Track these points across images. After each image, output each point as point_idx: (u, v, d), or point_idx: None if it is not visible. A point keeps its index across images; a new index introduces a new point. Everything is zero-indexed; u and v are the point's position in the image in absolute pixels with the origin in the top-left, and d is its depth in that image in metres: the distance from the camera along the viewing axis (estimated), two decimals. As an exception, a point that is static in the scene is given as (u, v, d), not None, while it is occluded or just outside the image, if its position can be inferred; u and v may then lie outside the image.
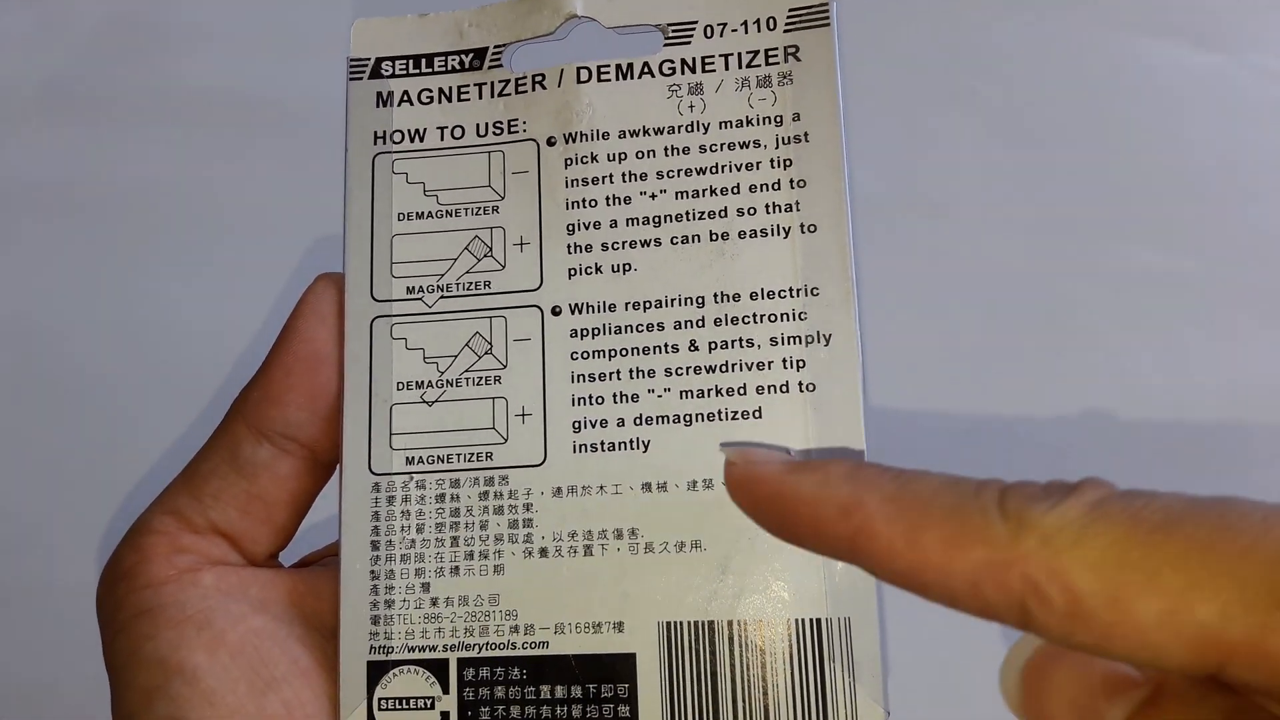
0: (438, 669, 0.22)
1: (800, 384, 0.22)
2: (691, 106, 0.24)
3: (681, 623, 0.21)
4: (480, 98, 0.25)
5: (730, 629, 0.21)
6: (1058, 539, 0.14)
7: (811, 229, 0.23)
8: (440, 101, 0.25)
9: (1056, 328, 0.36)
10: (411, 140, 0.24)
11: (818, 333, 0.22)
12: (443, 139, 0.24)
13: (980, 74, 0.39)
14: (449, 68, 0.25)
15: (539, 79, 0.24)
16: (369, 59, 0.25)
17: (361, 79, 0.25)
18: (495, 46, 0.25)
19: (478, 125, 0.24)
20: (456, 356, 0.23)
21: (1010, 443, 0.33)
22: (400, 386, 0.23)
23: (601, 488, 0.22)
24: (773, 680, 0.21)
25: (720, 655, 0.21)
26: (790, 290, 0.22)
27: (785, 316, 0.22)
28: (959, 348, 0.36)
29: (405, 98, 0.25)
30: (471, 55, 0.25)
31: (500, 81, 0.24)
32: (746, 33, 0.24)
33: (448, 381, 0.23)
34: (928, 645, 0.30)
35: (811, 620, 0.21)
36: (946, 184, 0.38)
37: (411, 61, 0.25)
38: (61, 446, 0.40)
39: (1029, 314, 0.37)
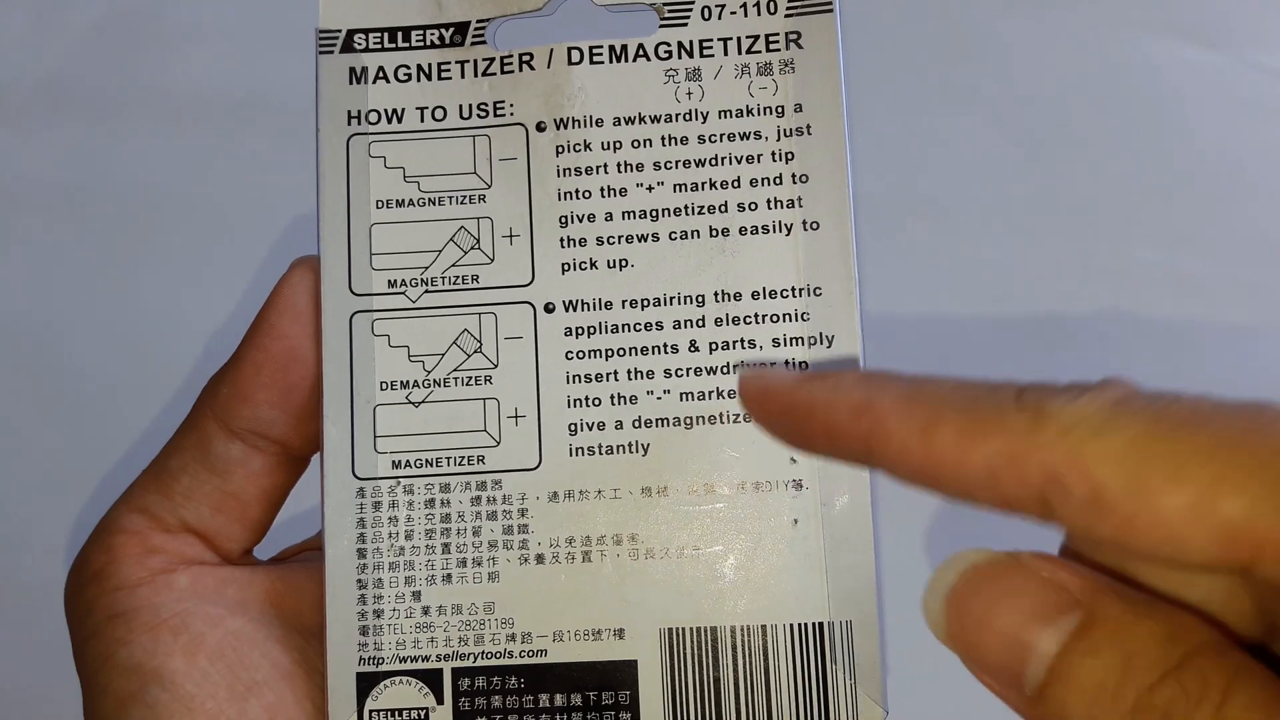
0: (431, 679, 0.21)
1: None
2: (689, 93, 0.23)
3: (683, 628, 0.21)
4: (463, 77, 0.23)
5: (733, 634, 0.21)
6: (1077, 430, 0.14)
7: (814, 226, 0.22)
8: (419, 80, 0.23)
9: (1058, 328, 0.37)
10: (389, 121, 0.23)
11: (820, 334, 0.22)
12: (423, 120, 0.23)
13: (981, 71, 0.39)
14: (428, 43, 0.23)
15: (526, 59, 0.23)
16: (340, 30, 0.23)
17: (332, 52, 0.23)
18: (478, 21, 0.23)
19: (460, 107, 0.23)
20: (444, 355, 0.22)
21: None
22: (384, 386, 0.22)
23: (599, 492, 0.22)
24: (775, 683, 0.21)
25: (723, 660, 0.21)
26: (793, 290, 0.22)
27: (787, 317, 0.22)
28: (960, 348, 0.36)
29: (381, 74, 0.23)
30: (452, 30, 0.23)
31: (484, 60, 0.23)
32: (746, 16, 0.23)
33: (435, 381, 0.22)
34: (924, 646, 0.30)
35: (814, 624, 0.21)
36: (946, 183, 0.38)
37: (386, 35, 0.23)
38: (24, 440, 0.38)
39: (1030, 314, 0.37)
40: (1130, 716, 0.13)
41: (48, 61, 0.40)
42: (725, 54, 0.23)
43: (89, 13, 0.41)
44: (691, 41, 0.23)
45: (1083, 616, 0.14)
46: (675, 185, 0.22)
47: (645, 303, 0.22)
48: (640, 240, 0.22)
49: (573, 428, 0.22)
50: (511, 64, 0.23)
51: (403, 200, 0.23)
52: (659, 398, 0.22)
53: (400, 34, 0.23)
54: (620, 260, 0.22)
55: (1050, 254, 0.37)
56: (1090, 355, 0.36)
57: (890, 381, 0.16)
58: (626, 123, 0.23)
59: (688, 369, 0.22)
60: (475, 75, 0.23)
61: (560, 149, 0.23)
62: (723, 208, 0.22)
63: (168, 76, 0.40)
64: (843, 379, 0.17)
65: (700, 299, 0.22)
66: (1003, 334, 0.36)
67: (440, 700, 0.21)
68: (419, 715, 0.21)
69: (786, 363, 0.22)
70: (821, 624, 0.21)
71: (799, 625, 0.21)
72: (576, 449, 0.22)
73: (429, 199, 0.23)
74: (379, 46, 0.23)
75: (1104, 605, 0.14)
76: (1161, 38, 0.39)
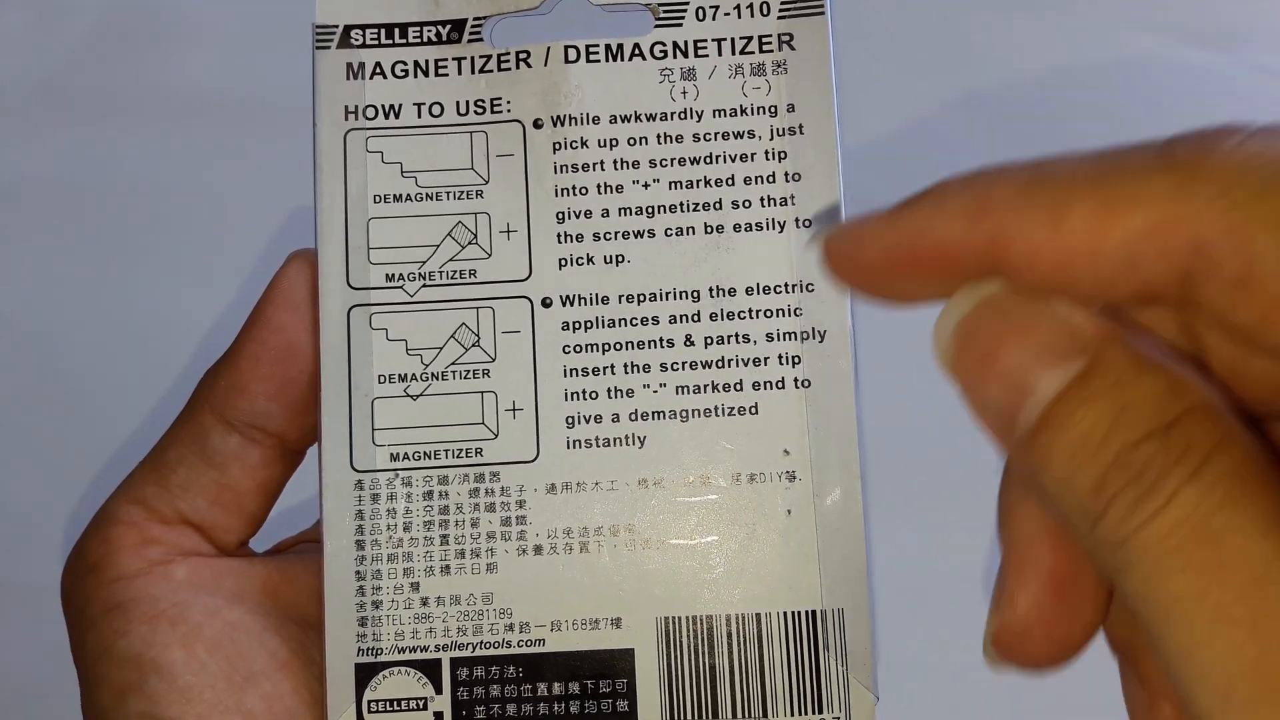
0: (430, 669, 0.22)
1: (796, 380, 0.22)
2: (684, 93, 0.23)
3: (679, 617, 0.22)
4: (460, 73, 0.23)
5: (728, 623, 0.22)
6: (1238, 190, 0.12)
7: (807, 224, 0.22)
8: (416, 76, 0.23)
9: None
10: (386, 116, 0.23)
11: (813, 329, 0.22)
12: (420, 116, 0.23)
13: (976, 71, 0.39)
14: (424, 39, 0.23)
15: (523, 56, 0.23)
16: (337, 26, 0.23)
17: (329, 48, 0.23)
18: (474, 19, 0.23)
19: (458, 103, 0.23)
20: (442, 348, 0.22)
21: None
22: (382, 380, 0.22)
23: (597, 484, 0.22)
24: (769, 671, 0.22)
25: (718, 649, 0.22)
26: (786, 286, 0.22)
27: (781, 312, 0.22)
28: None
29: (378, 70, 0.23)
30: (449, 27, 0.23)
31: (481, 57, 0.23)
32: (739, 17, 0.23)
33: (433, 375, 0.22)
34: (915, 634, 0.31)
35: (807, 613, 0.22)
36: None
37: (384, 31, 0.23)
38: (21, 433, 0.38)
39: None
40: (1107, 470, 0.13)
41: (48, 61, 0.40)
42: (719, 54, 0.23)
43: (89, 13, 0.41)
44: (686, 42, 0.23)
45: (1087, 363, 0.13)
46: (671, 183, 0.23)
47: (641, 298, 0.22)
48: (636, 236, 0.23)
49: (570, 420, 0.22)
50: (508, 62, 0.23)
51: (400, 195, 0.23)
52: (655, 391, 0.22)
53: (397, 30, 0.23)
54: (617, 256, 0.23)
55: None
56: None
57: (1005, 171, 0.14)
58: (623, 121, 0.23)
59: (683, 363, 0.22)
60: (472, 72, 0.23)
61: (557, 146, 0.23)
62: (717, 205, 0.23)
63: (168, 76, 0.40)
64: (945, 189, 0.15)
65: (695, 294, 0.22)
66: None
67: (439, 690, 0.22)
68: (418, 705, 0.22)
69: (780, 349, 0.22)
70: (814, 612, 0.22)
71: (792, 613, 0.22)
72: (574, 441, 0.22)
73: (426, 194, 0.23)
74: (376, 42, 0.23)
75: (1111, 355, 0.13)
76: (1161, 38, 0.40)
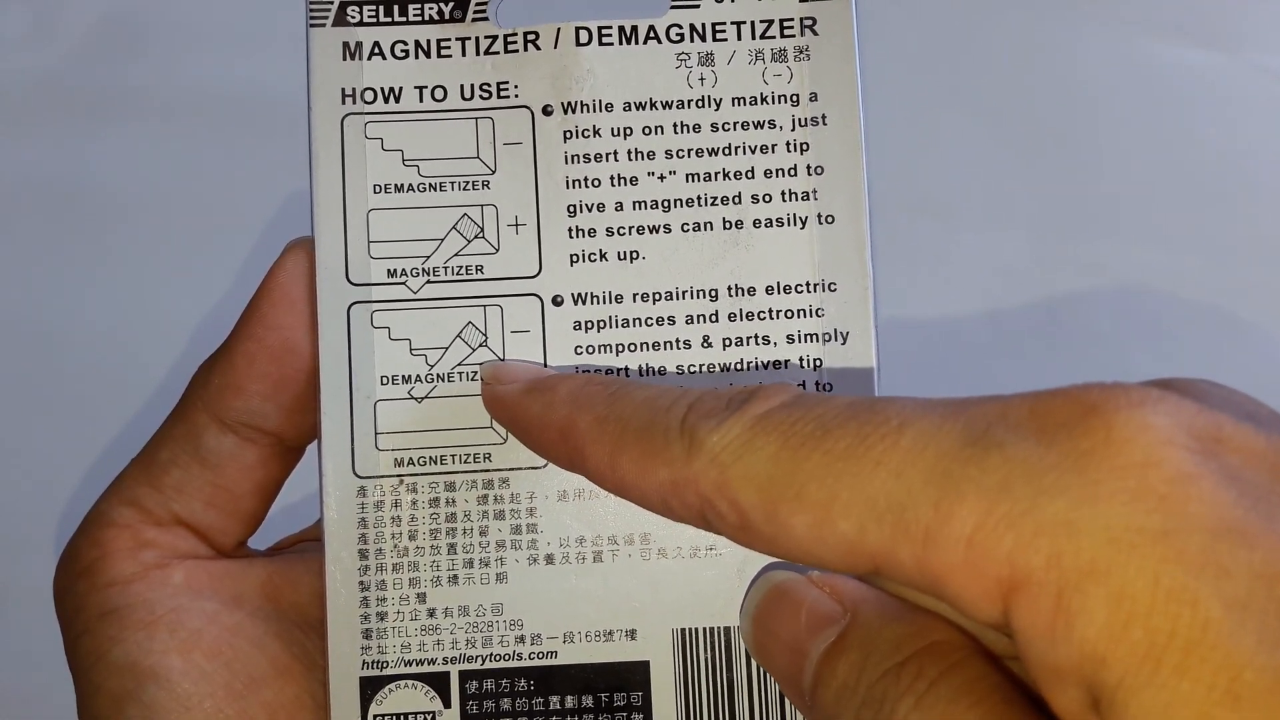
0: (438, 682, 0.21)
1: (818, 384, 0.21)
2: (702, 79, 0.22)
3: (697, 629, 0.21)
4: (464, 55, 0.22)
5: None
6: (723, 456, 0.15)
7: (829, 220, 0.22)
8: (418, 57, 0.22)
9: (1061, 325, 0.37)
10: (386, 100, 0.22)
11: (835, 330, 0.21)
12: (422, 100, 0.22)
13: (982, 70, 0.39)
14: (426, 18, 0.22)
15: (532, 38, 0.22)
16: (332, 2, 0.22)
17: (324, 25, 0.22)
18: None
19: (462, 87, 0.22)
20: (448, 349, 0.21)
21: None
22: (385, 381, 0.21)
23: None
24: None
25: (736, 661, 0.21)
26: (807, 285, 0.21)
27: (802, 313, 0.21)
28: (966, 347, 0.36)
29: (376, 50, 0.22)
30: (452, 4, 0.22)
31: (487, 38, 0.22)
32: None
33: (438, 376, 0.21)
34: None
35: None
36: (949, 181, 0.37)
37: (383, 8, 0.22)
38: (10, 430, 0.37)
39: (1033, 313, 0.37)
40: (860, 707, 0.15)
41: (47, 61, 0.39)
42: (739, 38, 0.22)
43: (88, 13, 0.40)
44: (704, 24, 0.22)
45: (847, 623, 0.15)
46: (688, 175, 0.22)
47: (657, 296, 0.22)
48: (652, 231, 0.22)
49: None
50: (515, 43, 0.22)
51: (402, 185, 0.22)
52: None
53: (396, 7, 0.22)
54: (631, 252, 0.22)
55: (1053, 252, 0.38)
56: (1091, 354, 0.37)
57: (593, 398, 0.18)
58: (637, 108, 0.22)
59: (701, 365, 0.21)
60: (477, 54, 0.22)
61: (568, 134, 0.22)
62: (736, 199, 0.22)
63: (168, 76, 0.39)
64: (556, 394, 0.18)
65: (714, 293, 0.22)
66: (1006, 331, 0.37)
67: (448, 704, 0.21)
68: (426, 719, 0.21)
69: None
70: None
71: None
72: None
73: (430, 184, 0.22)
74: (374, 20, 0.22)
75: (864, 612, 0.15)
76: (1163, 38, 0.40)
